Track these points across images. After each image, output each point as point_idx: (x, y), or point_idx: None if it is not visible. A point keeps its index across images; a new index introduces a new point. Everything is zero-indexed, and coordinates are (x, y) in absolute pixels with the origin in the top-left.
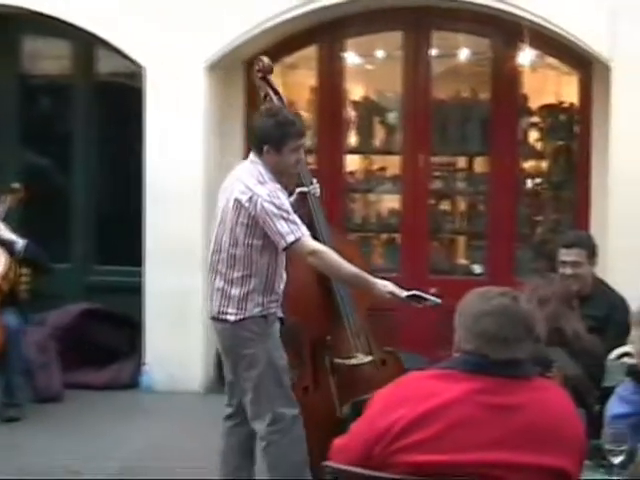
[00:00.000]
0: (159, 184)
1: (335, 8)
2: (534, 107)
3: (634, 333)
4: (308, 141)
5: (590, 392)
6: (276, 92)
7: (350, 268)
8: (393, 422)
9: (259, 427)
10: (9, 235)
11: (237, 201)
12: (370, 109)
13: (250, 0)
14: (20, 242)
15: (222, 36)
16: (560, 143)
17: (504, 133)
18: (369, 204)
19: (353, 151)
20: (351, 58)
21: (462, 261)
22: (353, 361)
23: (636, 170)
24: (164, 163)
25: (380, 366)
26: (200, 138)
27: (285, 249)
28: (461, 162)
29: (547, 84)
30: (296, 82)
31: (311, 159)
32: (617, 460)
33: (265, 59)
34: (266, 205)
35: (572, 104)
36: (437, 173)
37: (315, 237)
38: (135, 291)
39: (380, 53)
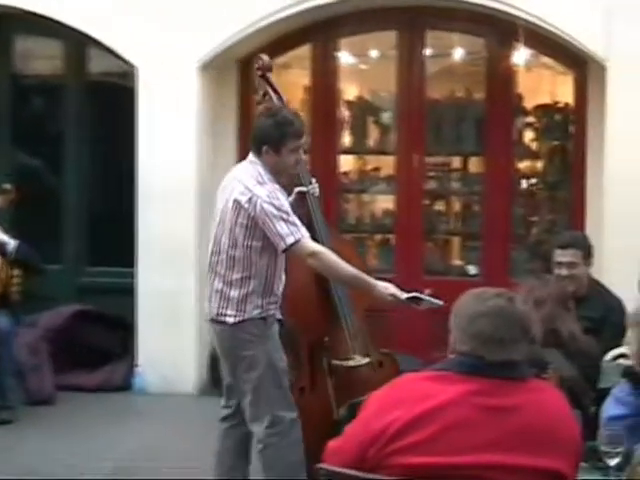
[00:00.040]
0: (151, 184)
1: (328, 7)
2: (529, 107)
3: (630, 334)
4: None
5: (586, 393)
6: (275, 91)
7: (350, 270)
8: (388, 424)
9: (257, 429)
10: (1, 236)
11: (236, 202)
12: (364, 109)
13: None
14: (12, 243)
15: (215, 36)
16: (555, 143)
17: (499, 133)
18: (363, 204)
19: (347, 151)
20: (345, 58)
21: (457, 262)
22: (351, 362)
23: (632, 170)
24: (156, 163)
25: (377, 368)
26: (193, 138)
27: (284, 251)
28: (456, 162)
29: (542, 84)
30: (290, 82)
31: (305, 159)
32: (613, 462)
33: (265, 57)
34: (265, 206)
35: (567, 104)
36: (431, 173)
37: (314, 237)
38: (127, 292)
39: (374, 53)
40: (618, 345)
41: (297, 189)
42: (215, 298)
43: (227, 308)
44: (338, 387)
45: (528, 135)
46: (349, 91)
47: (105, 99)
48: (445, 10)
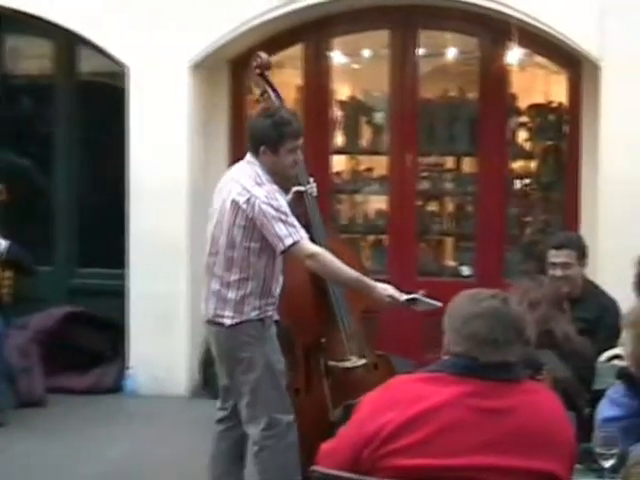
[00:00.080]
0: (143, 185)
1: (320, 7)
2: (523, 107)
3: (625, 335)
4: None
5: (580, 395)
6: (274, 89)
7: (349, 271)
8: (381, 426)
9: (253, 431)
10: None
11: (234, 202)
12: (357, 109)
13: None
14: (3, 244)
15: (206, 35)
16: (549, 143)
17: (492, 133)
18: (356, 205)
19: (339, 151)
20: (337, 57)
21: (450, 263)
22: (347, 364)
23: (626, 170)
24: (148, 164)
25: (373, 369)
26: (184, 138)
27: (283, 252)
28: (449, 162)
29: (536, 83)
30: (282, 81)
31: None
32: (608, 464)
33: (263, 55)
34: (264, 207)
35: (561, 103)
36: (425, 174)
37: (311, 238)
38: (119, 294)
39: (367, 52)
40: (613, 346)
41: (295, 189)
42: (212, 299)
43: (224, 309)
44: (334, 388)
45: (522, 135)
46: (342, 91)
47: (95, 99)
48: (438, 9)
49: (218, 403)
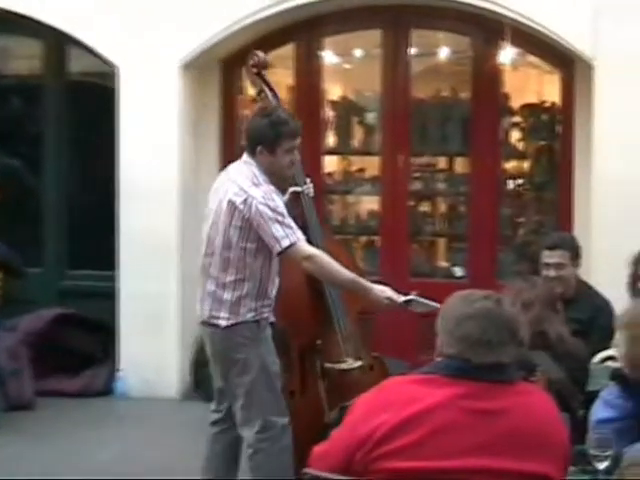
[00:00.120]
0: (133, 186)
1: (311, 6)
2: (515, 106)
3: (618, 336)
4: None
5: (574, 396)
6: (271, 88)
7: (346, 273)
8: (375, 428)
9: (247, 434)
10: None
11: (231, 203)
12: (348, 109)
13: None
14: None
15: (197, 35)
16: (542, 143)
17: (485, 133)
18: (348, 206)
19: (331, 152)
20: (329, 57)
21: (443, 264)
22: (343, 366)
23: (620, 170)
24: (138, 164)
25: (368, 371)
26: (175, 139)
27: (280, 253)
28: (441, 163)
29: (529, 83)
30: (273, 81)
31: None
32: (602, 466)
33: (260, 53)
34: (261, 208)
35: (554, 103)
36: (417, 174)
37: (308, 239)
38: (109, 295)
39: (358, 52)
40: (606, 347)
41: (291, 189)
42: (207, 300)
43: (220, 311)
44: (330, 390)
45: (514, 135)
46: (333, 91)
47: (85, 99)
48: (430, 8)
49: (212, 405)
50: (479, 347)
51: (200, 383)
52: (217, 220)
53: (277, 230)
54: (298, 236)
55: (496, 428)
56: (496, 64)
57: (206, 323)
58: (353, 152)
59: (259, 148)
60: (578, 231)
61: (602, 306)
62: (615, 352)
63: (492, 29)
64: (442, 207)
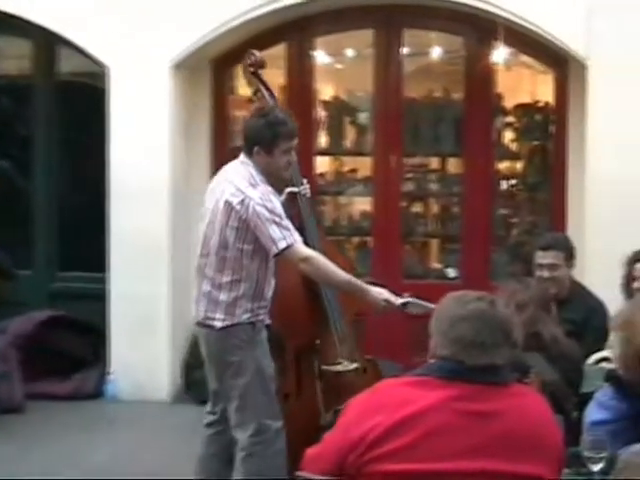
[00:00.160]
0: (123, 186)
1: (303, 6)
2: (509, 106)
3: (613, 338)
4: None
5: (568, 398)
6: (267, 88)
7: (343, 275)
8: (367, 431)
9: (241, 436)
10: None
11: (228, 203)
12: (340, 109)
13: None
14: None
15: (188, 35)
16: (535, 143)
17: (478, 133)
18: (340, 207)
19: (323, 152)
20: (321, 57)
21: (436, 265)
22: (339, 368)
23: (614, 170)
24: (128, 165)
25: (362, 374)
26: (165, 139)
27: (277, 255)
28: (434, 163)
29: (522, 83)
30: None
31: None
32: (596, 468)
33: (257, 53)
34: (258, 209)
35: (547, 103)
36: (409, 174)
37: (304, 240)
38: (100, 297)
39: (350, 52)
40: (600, 348)
41: (288, 189)
42: (203, 301)
43: (215, 312)
44: (325, 392)
45: (508, 135)
46: (325, 91)
47: (75, 99)
48: (423, 8)
49: (207, 407)
50: (473, 349)
51: (191, 385)
52: (213, 220)
53: (274, 231)
54: (295, 238)
55: (490, 430)
56: (489, 64)
57: (201, 324)
58: (345, 152)
59: (256, 149)
60: (572, 231)
61: (596, 307)
62: (609, 353)
63: (485, 29)
64: (435, 208)
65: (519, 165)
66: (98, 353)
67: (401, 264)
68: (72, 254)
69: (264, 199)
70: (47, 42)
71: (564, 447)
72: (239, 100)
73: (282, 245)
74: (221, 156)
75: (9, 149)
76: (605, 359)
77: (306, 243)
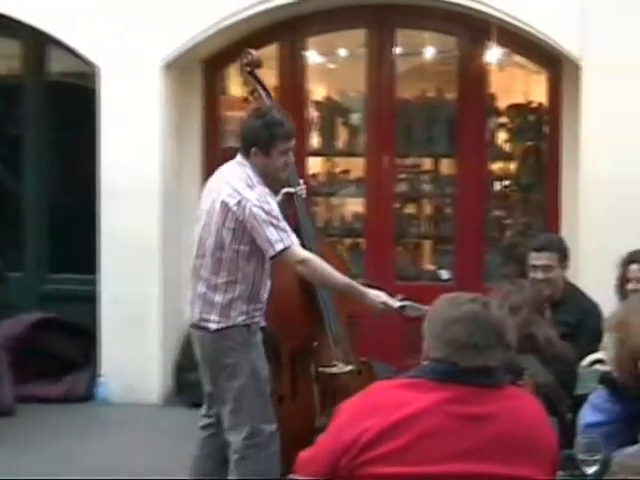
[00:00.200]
0: (114, 187)
1: (295, 6)
2: (502, 107)
3: (607, 339)
4: None
5: (562, 400)
6: (264, 87)
7: (341, 278)
8: (360, 433)
9: (235, 439)
10: None
11: (224, 204)
12: (333, 109)
13: None
14: None
15: (178, 35)
16: (529, 144)
17: (471, 134)
18: (332, 208)
19: (315, 153)
20: (313, 57)
21: (429, 266)
22: (334, 369)
23: (608, 170)
24: (119, 165)
25: (357, 376)
26: (156, 139)
27: (273, 257)
28: (427, 164)
29: (515, 83)
30: None
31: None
32: (591, 470)
33: (253, 52)
34: (255, 210)
35: (541, 104)
36: (402, 175)
37: (301, 242)
38: (91, 299)
39: (343, 52)
40: (594, 350)
41: (284, 190)
42: (198, 303)
43: (211, 313)
44: (320, 394)
45: (501, 136)
46: (317, 91)
47: (65, 99)
48: (415, 8)
49: (202, 410)
50: (466, 351)
51: (183, 388)
52: (209, 221)
53: (271, 233)
54: (292, 240)
55: (483, 433)
56: (482, 64)
57: (195, 326)
58: (337, 153)
59: (253, 149)
60: (565, 232)
61: (590, 309)
62: (603, 355)
63: (478, 29)
64: (428, 209)
65: (512, 166)
66: (89, 355)
67: (394, 266)
68: (62, 255)
69: (261, 200)
70: (37, 42)
71: (558, 449)
72: (230, 100)
73: (279, 247)
74: (212, 157)
75: None
76: (599, 361)
77: (302, 244)
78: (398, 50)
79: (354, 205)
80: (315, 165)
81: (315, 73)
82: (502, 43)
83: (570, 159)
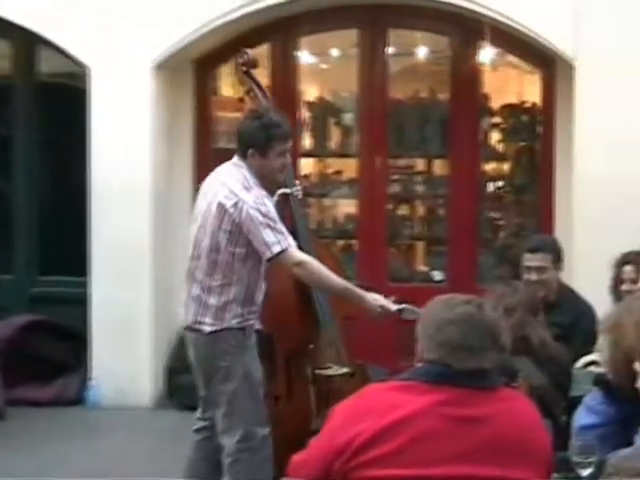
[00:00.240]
0: (105, 189)
1: (287, 5)
2: (495, 107)
3: (601, 341)
4: None
5: (556, 402)
6: (260, 87)
7: (338, 281)
8: (353, 437)
9: (228, 442)
10: None
11: (221, 206)
12: (325, 110)
13: None
14: None
15: (169, 35)
16: (522, 144)
17: (464, 134)
18: (324, 209)
19: (307, 154)
20: (305, 57)
21: (422, 268)
22: (330, 372)
23: (602, 170)
24: (110, 166)
25: (352, 378)
26: (147, 140)
27: (270, 259)
28: (420, 165)
29: (508, 83)
30: None
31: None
32: (585, 472)
33: (249, 52)
34: (252, 212)
35: (534, 104)
36: (395, 176)
37: (297, 243)
38: (81, 302)
39: (335, 52)
40: (589, 352)
41: (280, 191)
42: (192, 305)
43: (205, 316)
44: (316, 396)
45: (494, 136)
46: (309, 91)
47: (55, 100)
48: (408, 8)
49: (197, 413)
50: (460, 352)
51: (174, 391)
52: (205, 223)
53: (268, 235)
54: (289, 242)
55: (477, 435)
56: (475, 64)
57: (189, 328)
58: (330, 154)
59: (250, 151)
60: (559, 233)
61: (584, 310)
62: (598, 357)
63: (471, 28)
64: (421, 210)
65: (506, 166)
66: (79, 358)
67: (387, 267)
68: (52, 257)
69: (258, 203)
70: (27, 42)
71: (553, 452)
72: (222, 101)
73: (276, 249)
74: (203, 158)
75: None
76: (594, 363)
77: (299, 246)
78: (390, 50)
79: (346, 206)
80: (307, 166)
81: (307, 73)
82: (495, 43)
83: (564, 159)
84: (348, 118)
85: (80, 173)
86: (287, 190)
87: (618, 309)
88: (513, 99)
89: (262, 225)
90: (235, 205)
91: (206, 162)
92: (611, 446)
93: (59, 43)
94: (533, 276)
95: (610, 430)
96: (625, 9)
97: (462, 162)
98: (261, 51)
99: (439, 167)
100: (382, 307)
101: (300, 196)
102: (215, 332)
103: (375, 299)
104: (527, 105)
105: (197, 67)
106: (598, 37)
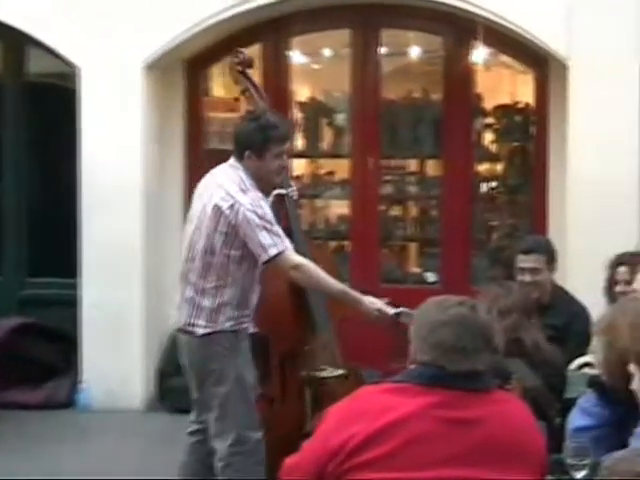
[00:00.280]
0: (95, 190)
1: (278, 5)
2: (488, 107)
3: (595, 343)
4: None
5: (550, 404)
6: (256, 87)
7: (336, 284)
8: (347, 439)
9: (220, 446)
10: None
11: (217, 207)
12: (317, 110)
13: None
14: None
15: (160, 35)
16: (516, 144)
17: (457, 135)
18: (316, 210)
19: (299, 155)
20: (297, 57)
21: (415, 269)
22: (324, 373)
23: (595, 170)
24: (100, 167)
25: (346, 380)
26: (138, 140)
27: (267, 262)
28: (412, 165)
29: (502, 83)
30: None
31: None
32: (579, 475)
33: (245, 51)
34: (248, 214)
35: (528, 104)
36: (388, 177)
37: (294, 245)
38: (71, 304)
39: (327, 52)
40: (583, 354)
41: (276, 191)
42: (186, 307)
43: (199, 318)
44: (310, 398)
45: (487, 136)
46: (301, 92)
47: (45, 100)
48: (400, 7)
49: (191, 416)
50: (454, 354)
51: (165, 394)
52: (200, 225)
53: (264, 238)
54: (286, 245)
55: (471, 437)
56: (468, 64)
57: (182, 331)
58: (322, 155)
59: (247, 153)
60: (553, 233)
61: (578, 312)
62: (592, 358)
63: (464, 28)
64: (413, 211)
65: (499, 167)
66: (70, 361)
67: (379, 268)
68: (42, 259)
69: (254, 205)
70: (17, 42)
71: (547, 454)
72: (213, 101)
73: (273, 252)
74: (195, 158)
75: None
76: (588, 364)
77: (294, 248)
78: (383, 50)
79: (339, 207)
80: (299, 167)
81: (299, 73)
82: (488, 43)
83: (557, 159)
84: (340, 118)
85: (70, 174)
86: (282, 191)
87: (612, 310)
88: (506, 99)
89: (259, 227)
90: (231, 207)
91: (197, 163)
92: (605, 448)
93: (49, 43)
94: (527, 277)
95: (604, 432)
96: (618, 9)
97: (455, 163)
98: (253, 51)
99: (432, 168)
100: (379, 311)
101: (295, 197)
102: (208, 334)
103: (372, 302)
104: (520, 105)
105: (188, 67)
106: (591, 37)
